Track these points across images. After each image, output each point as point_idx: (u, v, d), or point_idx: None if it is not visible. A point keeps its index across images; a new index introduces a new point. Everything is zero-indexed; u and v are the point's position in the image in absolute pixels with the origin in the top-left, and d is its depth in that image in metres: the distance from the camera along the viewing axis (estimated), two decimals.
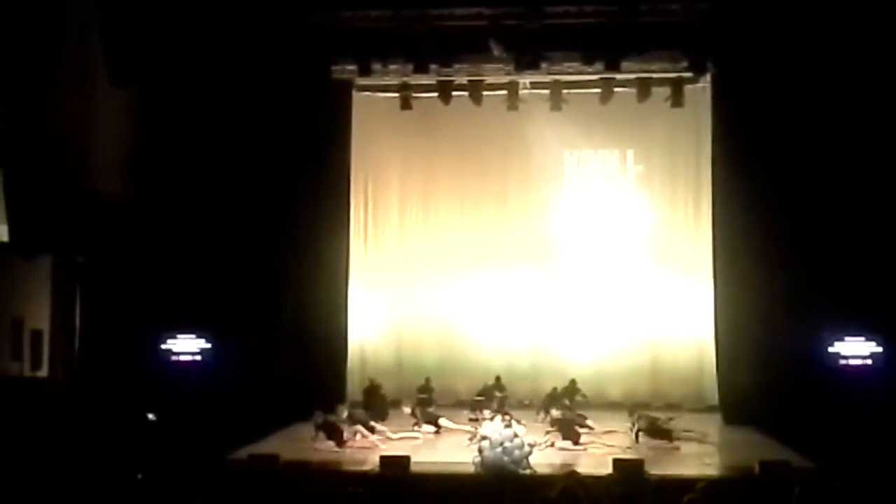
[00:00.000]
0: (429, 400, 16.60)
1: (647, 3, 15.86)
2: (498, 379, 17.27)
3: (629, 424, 14.91)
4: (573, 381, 16.91)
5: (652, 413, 15.17)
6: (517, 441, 12.47)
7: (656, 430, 14.52)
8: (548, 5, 15.91)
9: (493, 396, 16.72)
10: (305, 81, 16.92)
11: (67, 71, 16.34)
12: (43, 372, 16.28)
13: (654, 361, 18.72)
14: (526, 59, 16.35)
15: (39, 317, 16.42)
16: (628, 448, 14.03)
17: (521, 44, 16.13)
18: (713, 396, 17.71)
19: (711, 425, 16.49)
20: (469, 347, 19.06)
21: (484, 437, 12.59)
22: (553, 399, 16.28)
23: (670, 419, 14.77)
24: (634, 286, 18.99)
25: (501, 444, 12.39)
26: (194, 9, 16.17)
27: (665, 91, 17.67)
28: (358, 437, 14.56)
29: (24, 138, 15.33)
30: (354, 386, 18.07)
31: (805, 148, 16.06)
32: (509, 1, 15.88)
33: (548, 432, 14.41)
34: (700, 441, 14.51)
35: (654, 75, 17.36)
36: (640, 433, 14.64)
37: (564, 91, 17.87)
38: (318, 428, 14.35)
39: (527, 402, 17.60)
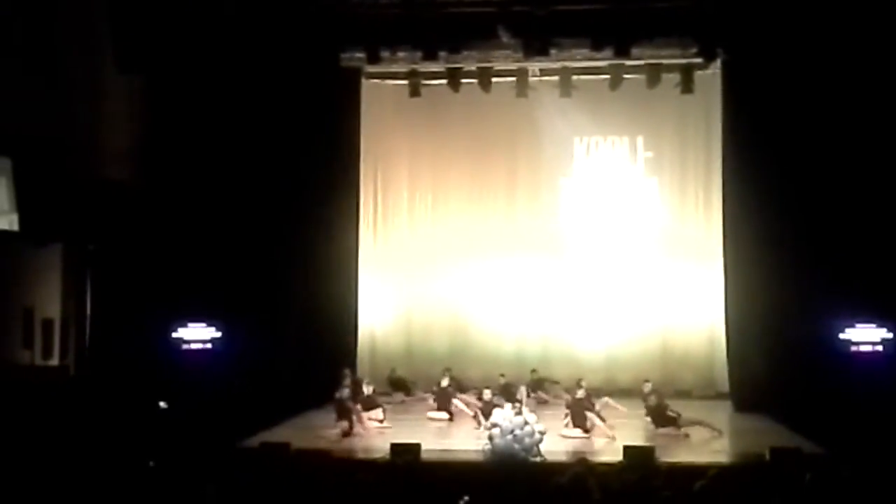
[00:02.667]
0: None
1: None
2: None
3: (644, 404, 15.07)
4: (534, 371, 17.51)
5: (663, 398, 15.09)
6: (527, 429, 12.48)
7: (663, 416, 14.55)
8: None
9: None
10: (314, 69, 16.90)
11: (76, 59, 16.34)
12: (54, 361, 16.34)
13: (665, 349, 18.72)
14: (535, 45, 16.28)
15: (50, 305, 16.46)
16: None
17: (530, 30, 16.06)
18: (724, 383, 17.70)
19: (722, 412, 16.49)
20: (479, 335, 19.07)
21: (494, 425, 12.60)
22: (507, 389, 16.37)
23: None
24: (645, 273, 18.98)
25: (512, 431, 12.41)
26: None
27: (675, 77, 17.59)
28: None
29: (32, 127, 15.35)
30: (364, 374, 18.09)
31: (816, 133, 15.98)
32: None
33: (566, 416, 14.47)
34: (706, 426, 14.50)
35: (664, 61, 17.27)
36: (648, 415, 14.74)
37: (574, 77, 17.80)
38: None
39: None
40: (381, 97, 18.93)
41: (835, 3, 15.39)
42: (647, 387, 15.36)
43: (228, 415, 14.00)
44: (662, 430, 14.48)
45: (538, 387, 17.43)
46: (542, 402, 16.97)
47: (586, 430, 14.31)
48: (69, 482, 10.58)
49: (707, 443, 14.12)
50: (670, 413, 14.62)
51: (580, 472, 9.53)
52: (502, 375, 16.96)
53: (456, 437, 14.57)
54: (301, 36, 16.44)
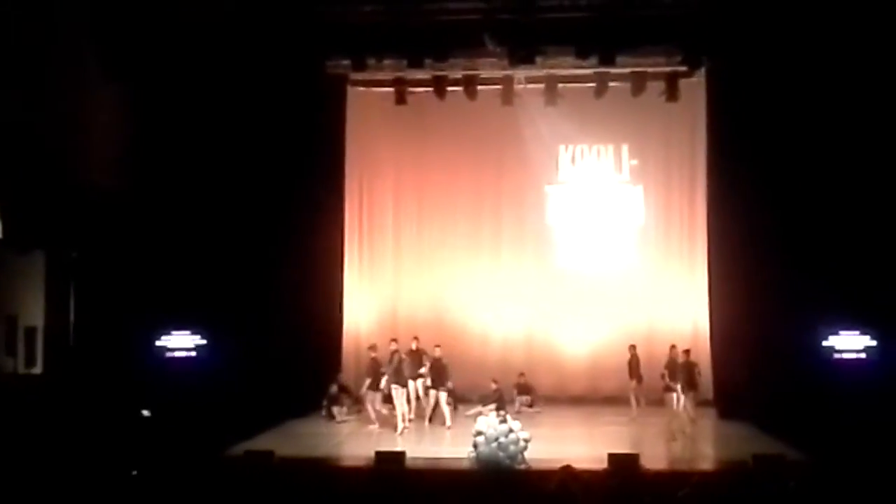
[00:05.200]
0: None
1: None
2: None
3: None
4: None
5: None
6: (512, 436, 12.48)
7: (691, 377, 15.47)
8: None
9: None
10: (300, 76, 16.88)
11: (60, 65, 16.25)
12: (37, 369, 16.21)
13: (649, 356, 18.70)
14: (520, 53, 16.32)
15: (33, 313, 16.34)
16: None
17: (515, 38, 16.09)
18: (708, 391, 17.67)
19: (706, 419, 16.53)
20: (464, 341, 19.05)
21: (479, 433, 12.59)
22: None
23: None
24: (629, 280, 19.04)
25: (496, 439, 12.40)
26: (189, 3, 16.10)
27: (660, 85, 17.69)
28: None
29: (16, 133, 15.26)
30: (349, 381, 18.08)
31: (800, 141, 16.04)
32: None
33: None
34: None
35: (649, 69, 17.37)
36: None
37: (559, 85, 17.88)
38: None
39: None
40: (366, 104, 18.94)
41: (818, 12, 15.45)
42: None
43: (212, 423, 13.93)
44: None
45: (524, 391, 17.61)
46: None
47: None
48: (52, 490, 10.52)
49: (692, 448, 14.17)
50: (698, 375, 15.52)
51: (565, 480, 9.53)
52: (494, 381, 16.99)
53: (441, 444, 14.55)
54: (287, 43, 16.41)
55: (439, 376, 16.26)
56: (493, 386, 16.89)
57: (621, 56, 16.51)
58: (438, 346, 16.81)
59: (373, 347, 16.67)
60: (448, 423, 16.01)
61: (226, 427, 13.94)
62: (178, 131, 16.71)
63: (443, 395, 16.23)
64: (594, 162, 19.36)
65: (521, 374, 17.91)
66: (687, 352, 15.84)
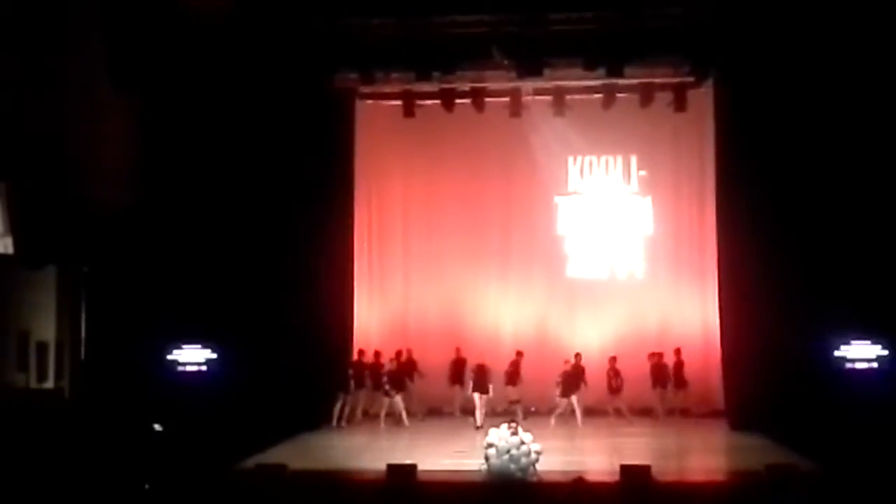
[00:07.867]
0: None
1: (648, 8, 15.85)
2: None
3: None
4: None
5: None
6: (524, 448, 12.44)
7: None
8: (549, 12, 15.91)
9: None
10: (308, 90, 16.94)
11: (70, 80, 16.35)
12: (49, 383, 16.30)
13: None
14: (528, 65, 16.36)
15: (45, 328, 16.43)
16: None
17: (523, 50, 16.13)
18: (719, 401, 17.68)
19: (718, 430, 16.49)
20: (473, 349, 18.99)
21: (490, 445, 12.56)
22: None
23: None
24: (639, 291, 19.04)
25: (508, 451, 12.37)
26: (197, 18, 16.18)
27: (668, 96, 17.72)
28: None
29: (27, 148, 15.35)
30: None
31: (809, 151, 16.00)
32: (511, 8, 15.87)
33: None
34: None
35: (657, 80, 17.40)
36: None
37: (567, 97, 17.94)
38: None
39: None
40: (375, 117, 19.01)
41: (825, 20, 15.45)
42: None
43: (224, 436, 13.94)
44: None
45: None
46: None
47: None
48: None
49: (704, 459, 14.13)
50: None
51: (576, 492, 9.51)
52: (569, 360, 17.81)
53: (452, 457, 14.52)
54: (295, 57, 16.48)
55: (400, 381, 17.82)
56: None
57: (629, 67, 16.52)
58: (399, 352, 18.11)
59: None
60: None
61: (237, 440, 13.94)
62: (187, 145, 16.77)
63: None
64: (603, 173, 19.39)
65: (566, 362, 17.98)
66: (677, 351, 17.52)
